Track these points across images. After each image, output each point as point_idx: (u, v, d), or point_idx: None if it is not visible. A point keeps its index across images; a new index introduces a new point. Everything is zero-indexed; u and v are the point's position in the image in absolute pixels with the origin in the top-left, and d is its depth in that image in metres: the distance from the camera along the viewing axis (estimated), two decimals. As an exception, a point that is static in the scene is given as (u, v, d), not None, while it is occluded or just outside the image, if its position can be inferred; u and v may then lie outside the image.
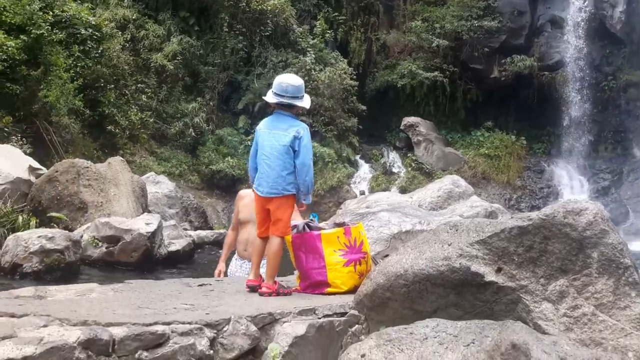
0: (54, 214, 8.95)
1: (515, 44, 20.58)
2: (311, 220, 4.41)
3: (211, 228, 12.91)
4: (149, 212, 10.13)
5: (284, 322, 3.32)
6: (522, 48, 20.53)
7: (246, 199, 5.18)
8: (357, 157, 20.04)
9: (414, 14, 21.75)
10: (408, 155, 20.01)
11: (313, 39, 20.30)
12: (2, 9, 12.42)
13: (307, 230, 4.26)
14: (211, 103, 18.83)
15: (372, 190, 18.01)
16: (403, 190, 17.56)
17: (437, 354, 2.82)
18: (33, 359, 2.54)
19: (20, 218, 8.51)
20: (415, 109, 20.86)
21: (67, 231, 7.84)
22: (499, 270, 3.20)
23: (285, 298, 3.88)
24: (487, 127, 20.77)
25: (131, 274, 7.49)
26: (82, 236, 8.08)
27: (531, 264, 3.14)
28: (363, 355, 2.95)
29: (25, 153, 10.72)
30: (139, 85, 17.10)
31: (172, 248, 8.66)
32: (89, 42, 14.63)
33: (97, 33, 14.89)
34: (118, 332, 2.83)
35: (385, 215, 5.46)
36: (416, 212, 5.84)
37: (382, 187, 18.18)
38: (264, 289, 3.97)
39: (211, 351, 2.99)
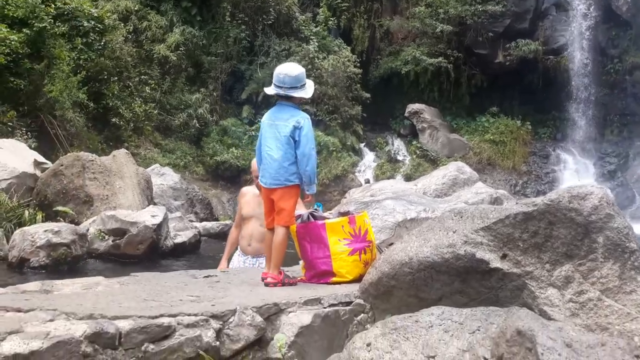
0: (59, 207, 8.98)
1: (519, 28, 20.41)
2: (315, 209, 4.41)
3: (217, 219, 12.93)
4: (155, 204, 10.15)
5: (290, 312, 3.33)
6: (527, 32, 20.35)
7: (248, 195, 5.24)
8: (362, 145, 20.00)
9: (417, -1, 21.60)
10: (413, 142, 19.95)
11: (316, 26, 20.20)
12: (4, 2, 12.43)
13: (312, 219, 4.26)
14: (215, 94, 18.80)
15: (377, 179, 17.98)
16: (408, 178, 17.53)
17: (443, 342, 2.82)
18: (40, 354, 2.55)
19: (26, 212, 8.56)
20: (419, 96, 20.77)
21: (73, 225, 7.88)
22: (504, 256, 3.18)
23: (290, 288, 3.89)
24: (492, 112, 20.65)
25: (137, 266, 7.51)
26: (88, 230, 8.12)
27: (536, 249, 3.12)
28: (369, 344, 2.95)
29: (30, 147, 10.76)
30: (142, 77, 17.09)
31: (178, 240, 8.69)
32: (91, 34, 14.62)
33: (99, 25, 14.88)
34: (124, 325, 2.84)
35: (389, 203, 5.44)
36: (421, 199, 5.82)
37: (387, 175, 18.14)
38: (269, 279, 3.99)
39: (217, 342, 3.00)
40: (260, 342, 3.17)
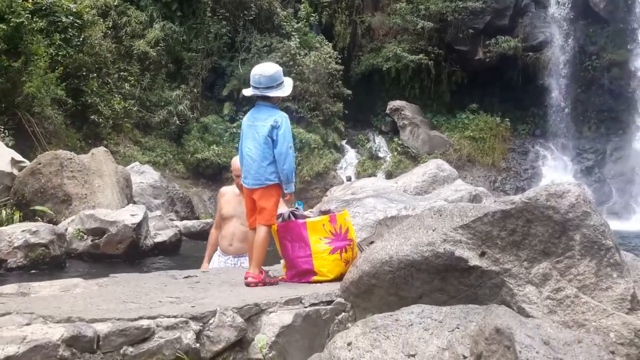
0: (37, 207, 8.87)
1: (499, 25, 20.58)
2: (296, 208, 4.40)
3: (198, 218, 12.86)
4: (134, 203, 10.07)
5: (271, 312, 3.32)
6: (507, 29, 20.53)
7: (227, 195, 5.20)
8: (343, 142, 20.03)
9: (398, -5, 21.64)
10: (394, 139, 20.02)
11: (297, 22, 20.16)
12: (-21, -2, 12.22)
13: (292, 218, 4.25)
14: (195, 90, 18.69)
15: (358, 176, 18.04)
16: (389, 175, 17.61)
17: (423, 340, 2.83)
18: (16, 359, 2.52)
19: (3, 212, 8.44)
20: (400, 93, 20.85)
21: (51, 224, 7.78)
22: (482, 254, 3.21)
23: (271, 288, 3.88)
24: (472, 109, 20.81)
25: (117, 266, 7.45)
26: (66, 229, 8.02)
27: (514, 247, 3.15)
28: (349, 344, 2.96)
29: (7, 145, 10.59)
30: (121, 73, 16.93)
31: (159, 239, 8.62)
32: (70, 30, 14.44)
33: (78, 20, 14.70)
34: (102, 328, 2.81)
35: (370, 201, 5.46)
36: (401, 197, 5.85)
37: (369, 172, 18.21)
38: (249, 279, 3.97)
39: (197, 344, 2.98)
40: (241, 343, 3.15)
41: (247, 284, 3.94)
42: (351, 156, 19.61)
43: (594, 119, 20.31)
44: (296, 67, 18.29)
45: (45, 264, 6.97)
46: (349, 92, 19.82)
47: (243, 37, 19.26)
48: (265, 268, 4.24)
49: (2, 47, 12.10)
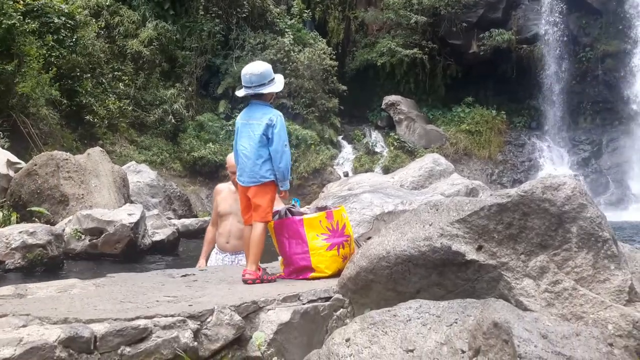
0: (34, 208, 8.84)
1: (493, 18, 20.57)
2: (293, 205, 4.40)
3: (195, 216, 12.85)
4: (131, 202, 10.05)
5: (268, 309, 3.31)
6: (500, 22, 20.53)
7: (224, 192, 5.18)
8: (340, 138, 20.03)
9: (391, -10, 21.60)
10: (390, 134, 20.03)
11: (291, 19, 20.12)
12: (-30, 0, 12.16)
13: (289, 215, 4.24)
14: (190, 88, 18.65)
15: (355, 171, 18.04)
16: (386, 170, 17.61)
17: (421, 335, 2.83)
18: (13, 361, 2.51)
19: (0, 214, 8.40)
20: (395, 87, 20.84)
21: (48, 225, 7.76)
22: (479, 248, 3.20)
23: (269, 285, 3.87)
24: (467, 102, 20.81)
25: (115, 265, 7.44)
26: (64, 229, 8.01)
27: (511, 240, 3.14)
28: (348, 340, 2.95)
29: (3, 147, 10.57)
30: (115, 73, 16.88)
31: (156, 238, 8.62)
32: (62, 30, 14.39)
33: (70, 21, 14.64)
34: (99, 328, 2.80)
35: (367, 196, 5.45)
36: (398, 192, 5.85)
37: (366, 168, 18.22)
38: (247, 276, 3.97)
39: (195, 343, 2.97)
40: (239, 341, 3.15)
41: (245, 281, 3.94)
42: (348, 151, 19.61)
43: (590, 110, 20.35)
44: (290, 63, 18.27)
45: (43, 264, 6.95)
46: (344, 87, 19.80)
47: (237, 34, 19.22)
48: (263, 265, 4.24)
49: (-5, 49, 12.07)
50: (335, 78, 19.81)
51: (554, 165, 19.36)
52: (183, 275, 4.23)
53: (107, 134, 15.72)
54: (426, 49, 20.32)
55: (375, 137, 20.30)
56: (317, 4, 21.60)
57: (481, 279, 3.17)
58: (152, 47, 17.67)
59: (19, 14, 12.71)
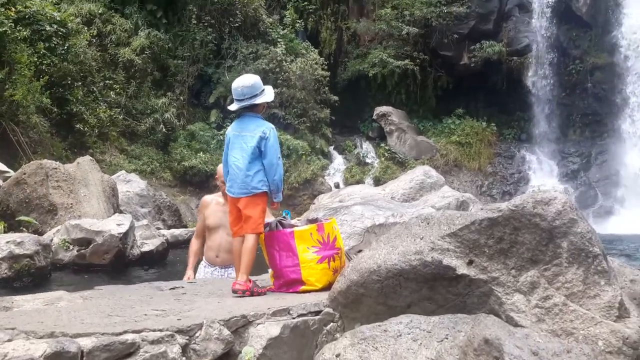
0: (23, 217, 8.75)
1: (484, 30, 20.71)
2: (284, 217, 4.38)
3: (185, 226, 12.77)
4: (121, 212, 9.98)
5: (258, 324, 3.29)
6: (491, 33, 20.67)
7: (212, 204, 5.11)
8: (331, 148, 20.03)
9: (383, 1, 21.73)
10: (381, 145, 20.07)
11: (283, 29, 20.17)
12: (-39, 7, 12.10)
13: (280, 227, 4.23)
14: (181, 98, 18.62)
15: (346, 182, 18.04)
16: (377, 181, 17.64)
17: (411, 351, 2.82)
18: (-3, 377, 2.47)
19: (-13, 223, 8.32)
20: (387, 98, 20.90)
21: (36, 235, 7.68)
22: (470, 262, 3.20)
23: (259, 298, 3.84)
24: (457, 114, 20.91)
25: (103, 276, 7.38)
26: (52, 240, 7.93)
27: (502, 255, 3.14)
28: (338, 355, 2.94)
29: (-9, 155, 10.48)
30: (107, 81, 16.82)
31: (145, 248, 8.55)
32: (54, 38, 14.33)
33: (62, 29, 14.59)
34: (86, 343, 2.76)
35: (358, 208, 5.45)
36: (389, 204, 5.85)
37: (357, 178, 18.22)
38: (237, 286, 3.95)
39: (184, 358, 2.93)
40: (228, 356, 3.12)
41: (235, 291, 3.92)
42: (339, 162, 19.61)
43: (579, 122, 20.49)
44: (282, 73, 18.29)
45: (30, 275, 6.87)
46: (336, 98, 19.83)
47: (229, 44, 19.23)
48: (253, 277, 4.21)
49: (-15, 56, 12.01)
50: (327, 88, 19.84)
51: (543, 177, 19.45)
52: (172, 288, 4.19)
53: (97, 142, 15.64)
54: (417, 60, 20.42)
55: (366, 148, 20.33)
56: (310, 14, 21.67)
57: (472, 294, 3.17)
58: (144, 55, 17.64)
59: (10, 21, 12.66)
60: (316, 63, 19.42)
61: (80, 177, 9.71)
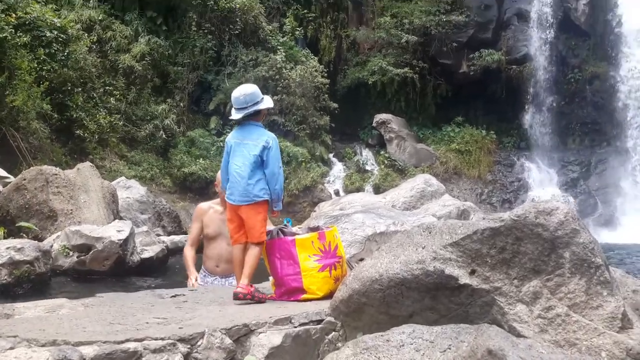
0: (22, 223, 8.72)
1: (483, 38, 20.79)
2: (285, 225, 4.38)
3: (185, 232, 12.73)
4: (121, 218, 9.96)
5: (260, 332, 3.28)
6: (490, 42, 20.74)
7: (210, 212, 5.01)
8: (331, 155, 20.04)
9: (382, 9, 21.83)
10: (381, 152, 20.09)
11: (283, 36, 20.22)
12: (-39, 13, 12.13)
13: (281, 236, 4.23)
14: (181, 104, 18.63)
15: (346, 189, 18.04)
16: (377, 188, 17.63)
17: (414, 361, 2.81)
18: (0, 385, 2.46)
19: (-13, 229, 8.29)
20: (386, 106, 20.94)
21: (36, 241, 7.65)
22: (472, 272, 3.20)
23: (260, 307, 3.84)
24: (457, 122, 20.94)
25: (103, 283, 7.35)
26: (52, 246, 7.90)
27: (504, 265, 3.14)
28: (340, 365, 2.93)
29: (-9, 161, 10.47)
30: (107, 87, 16.83)
31: (145, 255, 8.50)
32: (54, 44, 14.35)
33: (62, 35, 14.60)
34: (88, 351, 2.75)
35: (359, 217, 5.44)
36: (390, 212, 5.85)
37: (356, 186, 18.23)
38: (239, 289, 3.98)
39: (186, 366, 2.94)
40: (230, 365, 3.11)
41: (236, 295, 3.93)
42: (338, 169, 19.62)
43: (578, 131, 20.53)
44: (282, 80, 18.33)
45: (30, 281, 6.84)
46: (336, 105, 19.86)
47: (229, 51, 19.27)
48: (255, 285, 4.21)
49: (-15, 62, 12.02)
50: (326, 96, 19.87)
51: (543, 186, 19.47)
52: (173, 296, 4.19)
53: (97, 148, 15.63)
54: (417, 68, 20.47)
55: (366, 155, 20.34)
56: (309, 22, 21.73)
57: (474, 304, 3.17)
58: (144, 62, 17.66)
59: (10, 27, 12.68)
60: (316, 70, 19.46)
61: (81, 183, 9.70)
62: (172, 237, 10.90)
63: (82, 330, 3.09)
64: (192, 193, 16.90)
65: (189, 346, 3.00)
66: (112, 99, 16.69)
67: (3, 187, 9.39)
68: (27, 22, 13.79)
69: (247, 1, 19.00)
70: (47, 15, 14.37)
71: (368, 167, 19.77)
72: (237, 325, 3.24)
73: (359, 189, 17.47)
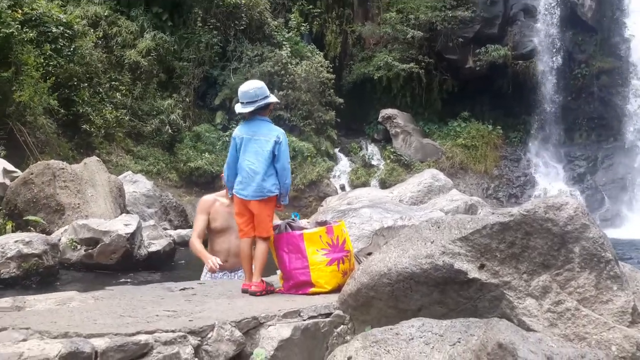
0: (30, 217, 8.80)
1: (489, 34, 20.70)
2: (293, 219, 4.39)
3: (191, 226, 12.78)
4: (127, 212, 10.02)
5: (269, 325, 3.30)
6: (496, 37, 20.66)
7: (215, 205, 4.90)
8: (336, 150, 20.04)
9: (388, 5, 21.75)
10: (387, 147, 20.06)
11: (288, 32, 20.20)
12: (-31, 8, 12.17)
13: (289, 230, 4.24)
14: (187, 99, 18.66)
15: (352, 184, 18.04)
16: (382, 183, 17.63)
17: (424, 354, 2.82)
18: (13, 376, 2.48)
19: (-5, 223, 8.37)
20: (392, 101, 20.90)
21: (44, 235, 7.72)
22: (481, 266, 3.20)
23: (269, 301, 3.85)
24: (463, 117, 20.89)
25: (111, 276, 7.40)
26: (60, 239, 7.97)
27: (514, 259, 3.14)
28: (349, 358, 2.94)
29: (-1, 155, 10.53)
30: (113, 83, 16.88)
31: (152, 248, 8.56)
32: (60, 40, 14.39)
33: (68, 31, 14.64)
34: (100, 343, 2.77)
35: (366, 211, 5.45)
36: (397, 207, 5.85)
37: (362, 180, 18.23)
38: (254, 288, 4.03)
39: (196, 359, 2.95)
40: (239, 358, 3.13)
41: (253, 294, 3.98)
42: (344, 164, 19.61)
43: (585, 126, 20.46)
44: (288, 76, 18.33)
45: (38, 274, 6.91)
46: (341, 100, 19.85)
47: (234, 46, 19.27)
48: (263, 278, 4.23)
49: (-8, 57, 12.07)
50: (332, 91, 19.86)
51: (550, 181, 19.42)
52: (182, 289, 4.21)
53: (104, 143, 15.69)
54: (423, 64, 20.42)
55: (371, 150, 20.33)
56: (315, 17, 21.71)
57: (483, 298, 3.17)
58: (149, 57, 17.69)
59: (17, 23, 12.72)
60: (321, 66, 19.45)
61: (87, 178, 9.75)
62: (179, 230, 10.97)
63: (93, 322, 3.10)
64: (198, 187, 16.95)
65: (199, 338, 3.02)
66: (118, 94, 16.74)
67: (11, 181, 9.44)
68: (33, 18, 13.83)
69: (252, -4, 19.01)
70: (53, 11, 14.41)
71: (374, 162, 19.76)
72: (247, 318, 3.26)
73: (365, 184, 17.46)
